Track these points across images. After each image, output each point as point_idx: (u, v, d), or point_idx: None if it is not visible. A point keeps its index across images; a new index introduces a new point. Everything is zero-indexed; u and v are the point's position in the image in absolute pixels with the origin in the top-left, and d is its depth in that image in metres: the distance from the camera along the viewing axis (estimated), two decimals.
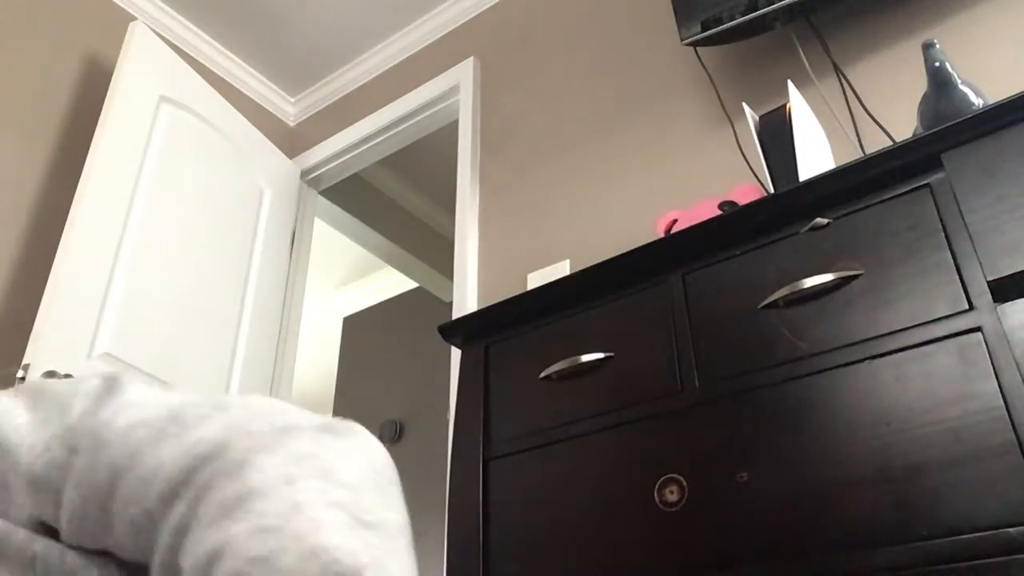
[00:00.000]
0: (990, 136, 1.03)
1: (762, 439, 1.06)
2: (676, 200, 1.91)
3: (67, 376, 1.87)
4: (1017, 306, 0.94)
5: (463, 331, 1.48)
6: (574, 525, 1.18)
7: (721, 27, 1.79)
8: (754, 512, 1.03)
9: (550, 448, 1.26)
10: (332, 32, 2.99)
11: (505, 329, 1.43)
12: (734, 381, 1.12)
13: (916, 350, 0.99)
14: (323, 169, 3.07)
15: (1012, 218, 0.96)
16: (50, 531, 0.44)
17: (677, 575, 1.06)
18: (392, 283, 4.40)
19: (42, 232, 2.24)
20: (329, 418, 0.44)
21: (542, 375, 1.32)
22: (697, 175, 1.95)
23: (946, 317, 0.98)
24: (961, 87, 1.25)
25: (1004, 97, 1.04)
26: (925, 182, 1.08)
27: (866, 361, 1.02)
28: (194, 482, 0.39)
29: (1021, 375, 0.90)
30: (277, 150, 2.92)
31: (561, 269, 2.07)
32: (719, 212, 1.46)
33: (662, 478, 1.11)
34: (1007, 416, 0.89)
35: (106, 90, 2.30)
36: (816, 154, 1.44)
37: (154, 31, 2.58)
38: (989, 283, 0.96)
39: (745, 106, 1.54)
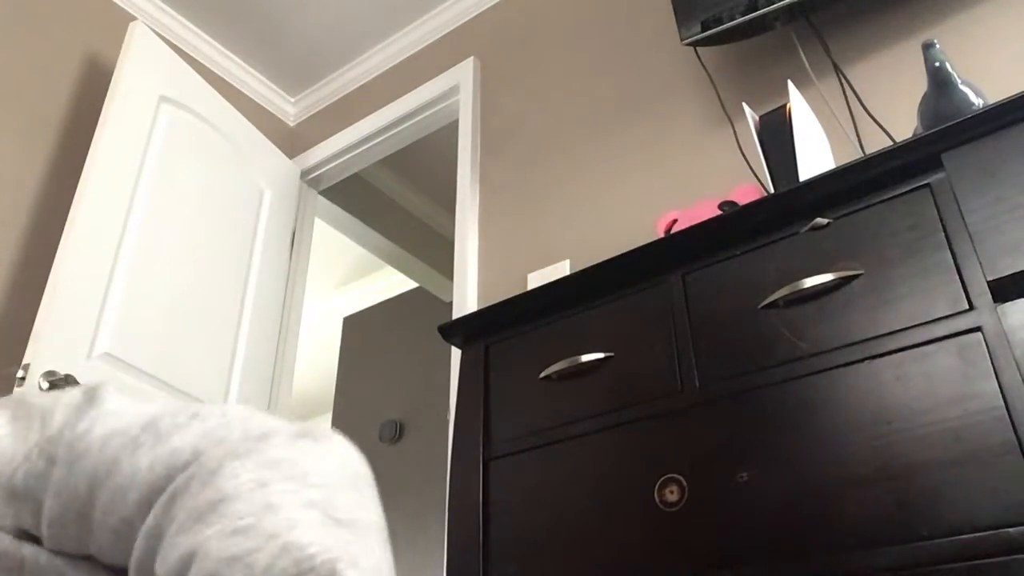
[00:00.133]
0: (990, 136, 1.03)
1: (762, 439, 1.06)
2: (676, 200, 1.91)
3: (67, 376, 1.88)
4: (1017, 306, 0.94)
5: (463, 331, 1.48)
6: (574, 525, 1.18)
7: (721, 27, 1.79)
8: (754, 512, 1.03)
9: (550, 448, 1.26)
10: (332, 32, 2.99)
11: (505, 329, 1.43)
12: (734, 381, 1.12)
13: (916, 350, 0.99)
14: (323, 169, 3.07)
15: (1012, 218, 0.96)
16: (33, 539, 0.45)
17: (677, 575, 1.06)
18: (392, 283, 4.40)
19: (42, 232, 2.24)
20: (307, 425, 0.44)
21: (542, 375, 1.32)
22: (697, 175, 1.95)
23: (946, 317, 0.98)
24: (961, 87, 1.25)
25: (1004, 97, 1.04)
26: (925, 182, 1.08)
27: (866, 361, 1.02)
28: (168, 489, 0.40)
29: (1021, 375, 0.90)
30: (277, 150, 2.92)
31: (561, 269, 2.07)
32: (719, 212, 1.46)
33: (662, 478, 1.11)
34: (1007, 416, 0.89)
35: (106, 90, 2.30)
36: (816, 154, 1.44)
37: (154, 31, 2.58)
38: (989, 283, 0.96)
39: (745, 106, 1.54)
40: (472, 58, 2.69)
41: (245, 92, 3.11)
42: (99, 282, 2.06)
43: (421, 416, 3.79)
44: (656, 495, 1.11)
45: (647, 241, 1.35)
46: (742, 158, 1.83)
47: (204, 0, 2.86)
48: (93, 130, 2.23)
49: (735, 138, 1.87)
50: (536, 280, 2.09)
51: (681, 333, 1.21)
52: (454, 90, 2.69)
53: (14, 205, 2.23)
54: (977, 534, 0.86)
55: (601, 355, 1.27)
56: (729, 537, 1.03)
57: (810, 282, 1.09)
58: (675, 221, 1.60)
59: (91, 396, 0.47)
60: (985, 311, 0.96)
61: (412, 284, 4.09)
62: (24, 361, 1.86)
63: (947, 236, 1.03)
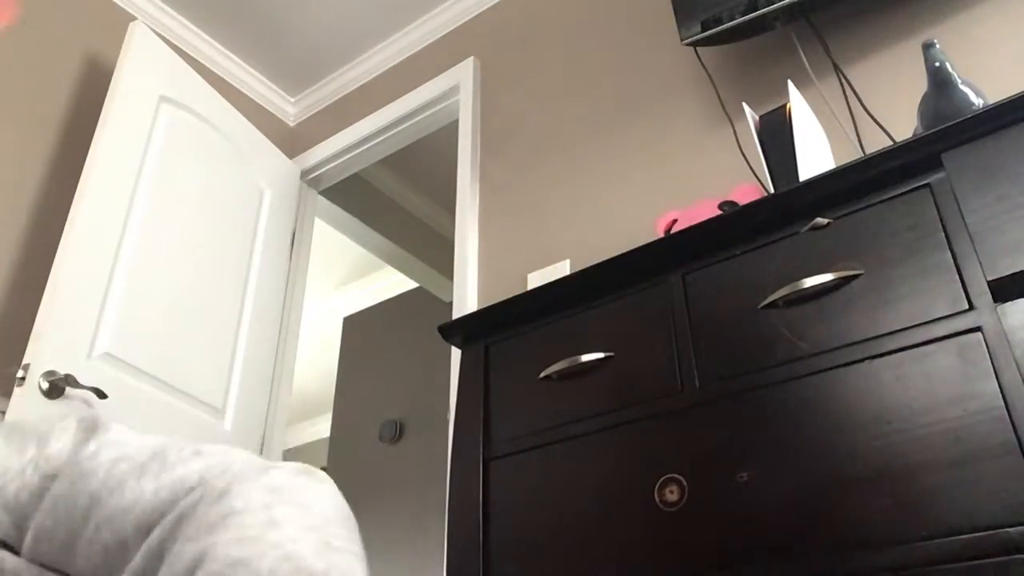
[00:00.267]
0: (990, 136, 1.03)
1: (762, 439, 1.06)
2: (676, 200, 1.91)
3: (67, 376, 1.88)
4: (1017, 306, 0.94)
5: (463, 331, 1.48)
6: (574, 525, 1.18)
7: (721, 27, 1.79)
8: (754, 512, 1.03)
9: (550, 448, 1.26)
10: (332, 32, 2.99)
11: (505, 329, 1.43)
12: (734, 381, 1.12)
13: (916, 350, 0.99)
14: (323, 169, 3.07)
15: (1012, 218, 0.96)
16: (8, 548, 0.47)
17: (677, 575, 1.06)
18: (392, 283, 4.40)
19: (42, 232, 2.24)
20: (303, 464, 0.47)
21: (542, 375, 1.32)
22: (697, 175, 1.95)
23: (946, 317, 0.98)
24: (961, 87, 1.25)
25: (1004, 97, 1.04)
26: (925, 182, 1.08)
27: (866, 361, 1.02)
28: (176, 509, 0.42)
29: (1021, 375, 0.90)
30: (277, 150, 2.92)
31: (561, 269, 2.07)
32: (719, 212, 1.46)
33: (662, 478, 1.11)
34: (1007, 416, 0.89)
35: (106, 90, 2.29)
36: (816, 154, 1.44)
37: (154, 31, 2.58)
38: (989, 283, 0.96)
39: (745, 106, 1.54)
40: (472, 58, 2.69)
41: (245, 92, 3.11)
42: (99, 282, 2.06)
43: (421, 416, 3.79)
44: (656, 495, 1.11)
45: (647, 241, 1.35)
46: (742, 158, 1.83)
47: (204, 0, 2.87)
48: (93, 130, 2.23)
49: (735, 138, 1.87)
50: (536, 280, 2.09)
51: (681, 333, 1.21)
52: (454, 90, 2.69)
53: (14, 205, 2.23)
54: (977, 534, 0.86)
55: (601, 355, 1.27)
56: (729, 537, 1.03)
57: (810, 282, 1.09)
58: (675, 221, 1.60)
59: (94, 423, 0.50)
60: (985, 311, 0.96)
61: (412, 284, 4.09)
62: (24, 361, 1.86)
63: (947, 236, 1.03)
